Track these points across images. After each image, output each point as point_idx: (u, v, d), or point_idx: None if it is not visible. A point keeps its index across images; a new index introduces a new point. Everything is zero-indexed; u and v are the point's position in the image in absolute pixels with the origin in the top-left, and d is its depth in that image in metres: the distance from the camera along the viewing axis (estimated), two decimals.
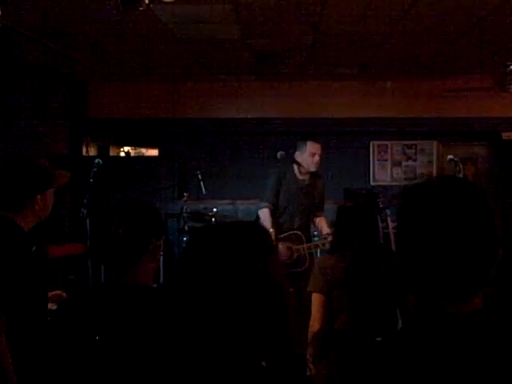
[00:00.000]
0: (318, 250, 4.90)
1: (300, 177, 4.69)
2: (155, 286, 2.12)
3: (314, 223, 4.92)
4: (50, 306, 2.52)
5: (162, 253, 2.05)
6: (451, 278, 1.11)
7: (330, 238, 4.50)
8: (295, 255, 4.55)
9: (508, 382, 1.05)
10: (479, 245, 1.11)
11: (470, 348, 1.08)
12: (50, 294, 2.60)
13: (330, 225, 4.43)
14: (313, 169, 4.64)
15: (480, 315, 1.13)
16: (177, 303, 1.27)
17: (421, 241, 1.14)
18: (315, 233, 5.31)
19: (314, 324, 2.93)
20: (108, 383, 1.74)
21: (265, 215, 4.66)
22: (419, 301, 1.16)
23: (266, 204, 4.72)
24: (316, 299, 2.96)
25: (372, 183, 8.20)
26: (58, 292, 2.73)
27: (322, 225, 4.81)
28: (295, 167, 4.75)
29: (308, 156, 4.66)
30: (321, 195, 4.87)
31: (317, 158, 4.64)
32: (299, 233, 4.62)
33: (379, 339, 2.82)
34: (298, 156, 4.73)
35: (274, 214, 4.70)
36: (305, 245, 4.59)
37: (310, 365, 2.96)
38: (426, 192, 1.18)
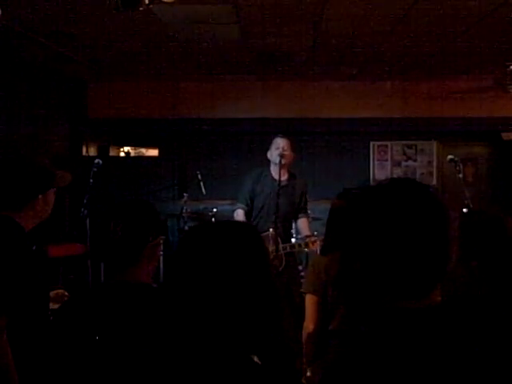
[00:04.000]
0: (318, 249, 4.86)
1: (277, 177, 4.59)
2: (155, 285, 2.12)
3: (296, 225, 4.90)
4: (51, 305, 2.51)
5: (161, 252, 2.06)
6: (404, 276, 1.14)
7: (307, 240, 4.51)
8: (271, 256, 4.49)
9: (462, 375, 1.08)
10: (430, 244, 1.14)
11: (424, 345, 1.10)
12: (51, 293, 2.59)
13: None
14: (277, 161, 4.59)
15: (436, 310, 1.15)
16: (171, 301, 1.28)
17: (371, 242, 1.16)
18: (294, 234, 5.27)
19: (309, 325, 2.92)
20: (109, 382, 1.74)
21: (239, 217, 4.67)
22: (377, 299, 1.18)
23: (240, 205, 4.75)
24: (310, 300, 2.94)
25: (372, 183, 8.19)
26: (60, 291, 2.72)
27: (303, 226, 4.78)
28: (271, 167, 4.75)
29: (274, 150, 4.68)
30: (302, 196, 4.82)
31: (281, 150, 4.61)
32: (274, 234, 4.52)
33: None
34: (269, 154, 4.76)
35: (248, 216, 4.71)
36: (280, 245, 4.52)
37: (305, 366, 2.96)
38: (376, 195, 1.21)
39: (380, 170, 8.29)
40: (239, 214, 4.71)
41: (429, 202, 1.17)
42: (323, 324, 2.89)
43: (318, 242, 4.39)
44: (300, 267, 5.93)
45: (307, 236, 4.56)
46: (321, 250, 3.10)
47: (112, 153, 8.70)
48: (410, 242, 1.13)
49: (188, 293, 1.25)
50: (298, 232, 5.03)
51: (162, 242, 2.02)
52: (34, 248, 2.31)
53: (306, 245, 4.50)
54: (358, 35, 5.29)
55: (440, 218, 1.16)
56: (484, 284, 2.29)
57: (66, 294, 2.71)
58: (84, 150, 7.76)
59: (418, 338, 1.10)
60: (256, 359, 1.26)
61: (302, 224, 4.80)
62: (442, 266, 1.16)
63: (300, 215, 4.82)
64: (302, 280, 5.20)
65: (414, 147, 8.36)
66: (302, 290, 3.05)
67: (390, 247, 1.13)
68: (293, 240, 4.97)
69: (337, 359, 1.22)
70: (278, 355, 1.30)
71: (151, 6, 3.62)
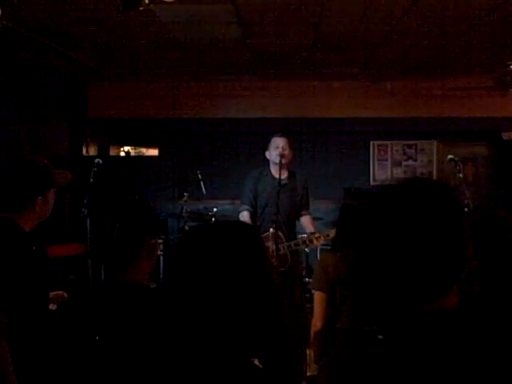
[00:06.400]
0: (318, 249, 4.87)
1: (277, 176, 4.62)
2: (154, 285, 2.12)
3: (300, 222, 4.91)
4: (50, 306, 2.51)
5: (161, 252, 2.06)
6: (420, 278, 1.12)
7: (311, 236, 4.52)
8: (276, 255, 4.49)
9: (481, 379, 1.07)
10: (446, 245, 1.12)
11: (441, 348, 1.09)
12: (51, 294, 2.59)
13: (332, 224, 4.40)
14: (277, 160, 4.61)
15: (454, 314, 1.14)
16: (169, 303, 1.28)
17: (387, 242, 1.14)
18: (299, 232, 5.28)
19: (317, 322, 2.94)
20: (107, 382, 1.74)
21: (244, 218, 4.68)
22: (391, 300, 1.17)
23: (245, 207, 4.76)
24: (318, 297, 2.97)
25: (372, 183, 8.20)
26: (60, 292, 2.72)
27: (307, 224, 4.79)
28: (271, 167, 4.78)
29: (273, 150, 4.69)
30: (303, 194, 4.83)
31: (281, 150, 4.64)
32: (279, 232, 4.54)
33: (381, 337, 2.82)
34: (267, 154, 4.78)
35: (253, 216, 4.73)
36: (285, 244, 4.53)
37: (313, 363, 2.97)
38: (395, 194, 1.20)
39: (380, 169, 8.29)
40: (244, 216, 4.72)
41: (448, 203, 1.16)
42: (331, 322, 2.91)
43: (322, 238, 4.40)
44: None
45: (311, 233, 4.56)
46: (331, 248, 3.12)
47: (112, 153, 8.69)
48: (429, 242, 1.11)
49: (187, 294, 1.25)
50: (302, 230, 5.03)
51: (160, 241, 2.03)
52: (34, 248, 2.31)
53: (311, 241, 4.50)
54: (358, 35, 5.29)
55: (458, 219, 1.15)
56: (483, 284, 2.29)
57: (65, 295, 2.71)
58: (84, 149, 7.75)
59: (431, 341, 1.09)
60: (257, 362, 1.26)
61: (306, 222, 4.81)
62: (459, 268, 1.14)
63: (303, 213, 4.83)
64: (303, 280, 5.21)
65: (414, 147, 8.36)
66: (310, 287, 3.08)
67: (409, 248, 1.12)
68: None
69: (349, 361, 1.21)
70: (279, 358, 1.29)
71: (151, 5, 3.62)
